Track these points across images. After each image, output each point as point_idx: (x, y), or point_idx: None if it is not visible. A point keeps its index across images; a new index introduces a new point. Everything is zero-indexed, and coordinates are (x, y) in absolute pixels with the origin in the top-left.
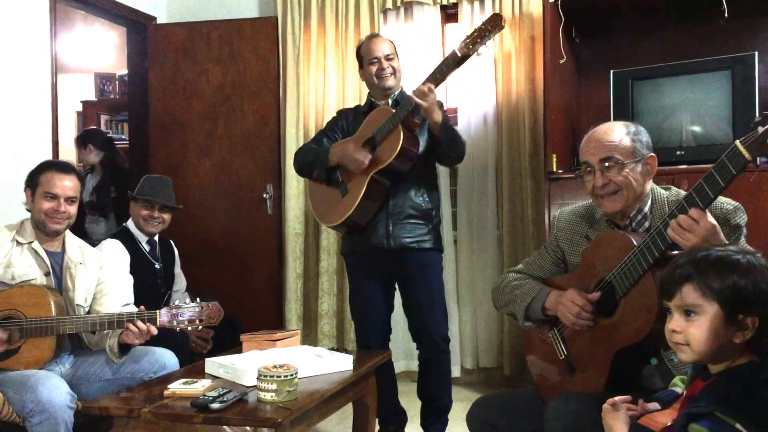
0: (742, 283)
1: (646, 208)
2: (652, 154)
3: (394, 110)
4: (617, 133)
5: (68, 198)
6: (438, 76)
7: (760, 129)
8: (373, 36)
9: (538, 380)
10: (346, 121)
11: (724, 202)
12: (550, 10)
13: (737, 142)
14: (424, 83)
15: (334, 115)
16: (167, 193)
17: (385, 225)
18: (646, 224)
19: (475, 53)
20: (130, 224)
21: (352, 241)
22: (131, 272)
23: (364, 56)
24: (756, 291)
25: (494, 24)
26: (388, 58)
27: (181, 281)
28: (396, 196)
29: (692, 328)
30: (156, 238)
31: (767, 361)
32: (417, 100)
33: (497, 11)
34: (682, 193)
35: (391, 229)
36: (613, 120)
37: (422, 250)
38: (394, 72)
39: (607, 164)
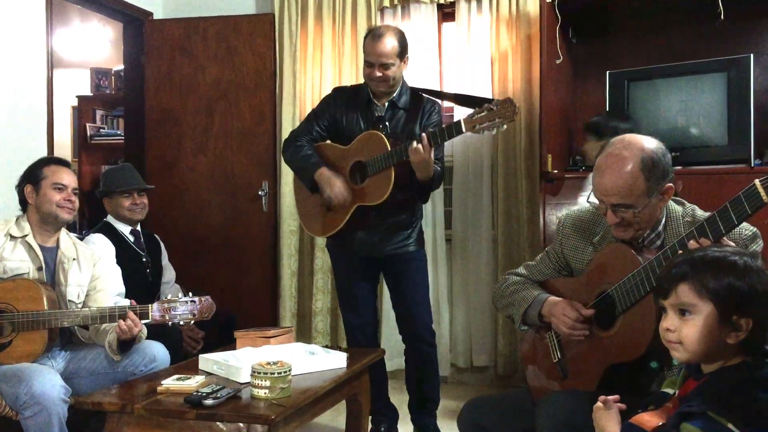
0: (738, 284)
1: (660, 227)
2: (670, 184)
3: (388, 144)
4: (631, 174)
5: (74, 189)
6: (438, 140)
7: None
8: (378, 35)
9: (531, 382)
10: (340, 115)
11: (743, 227)
12: (547, 9)
13: (757, 181)
14: (422, 141)
15: (330, 92)
16: (138, 178)
17: (367, 236)
18: (659, 242)
19: (480, 133)
20: (110, 219)
21: (334, 241)
22: (119, 264)
23: (365, 52)
24: (751, 292)
25: (506, 114)
26: (383, 67)
27: (169, 272)
28: (379, 211)
29: (686, 327)
30: (139, 228)
31: (760, 361)
32: (410, 156)
33: (494, 11)
34: (698, 211)
35: (373, 240)
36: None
37: (405, 253)
38: (387, 80)
39: (615, 208)
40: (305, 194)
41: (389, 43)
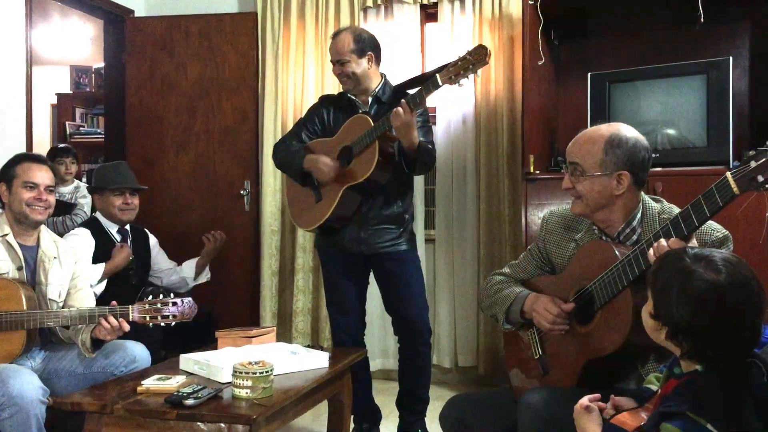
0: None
1: (635, 222)
2: (625, 171)
3: (372, 122)
4: (595, 141)
5: (47, 187)
6: (417, 100)
7: (753, 164)
8: (335, 34)
9: (513, 379)
10: (327, 114)
11: (715, 229)
12: (529, 11)
13: (728, 173)
14: (401, 105)
15: (316, 101)
16: (132, 178)
17: (357, 230)
18: (635, 237)
19: (457, 84)
20: (98, 215)
21: (324, 239)
22: (105, 261)
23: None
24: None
25: (478, 57)
26: (339, 63)
27: (161, 261)
28: (369, 204)
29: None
30: (128, 228)
31: (745, 363)
32: (391, 121)
33: (477, 12)
34: (675, 209)
35: (362, 235)
36: (590, 123)
37: (396, 252)
38: (348, 77)
39: (572, 169)
40: (296, 191)
41: (342, 41)
